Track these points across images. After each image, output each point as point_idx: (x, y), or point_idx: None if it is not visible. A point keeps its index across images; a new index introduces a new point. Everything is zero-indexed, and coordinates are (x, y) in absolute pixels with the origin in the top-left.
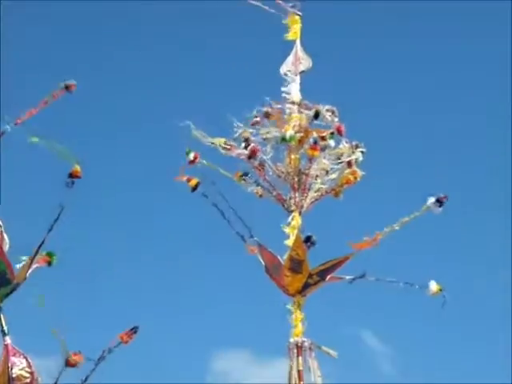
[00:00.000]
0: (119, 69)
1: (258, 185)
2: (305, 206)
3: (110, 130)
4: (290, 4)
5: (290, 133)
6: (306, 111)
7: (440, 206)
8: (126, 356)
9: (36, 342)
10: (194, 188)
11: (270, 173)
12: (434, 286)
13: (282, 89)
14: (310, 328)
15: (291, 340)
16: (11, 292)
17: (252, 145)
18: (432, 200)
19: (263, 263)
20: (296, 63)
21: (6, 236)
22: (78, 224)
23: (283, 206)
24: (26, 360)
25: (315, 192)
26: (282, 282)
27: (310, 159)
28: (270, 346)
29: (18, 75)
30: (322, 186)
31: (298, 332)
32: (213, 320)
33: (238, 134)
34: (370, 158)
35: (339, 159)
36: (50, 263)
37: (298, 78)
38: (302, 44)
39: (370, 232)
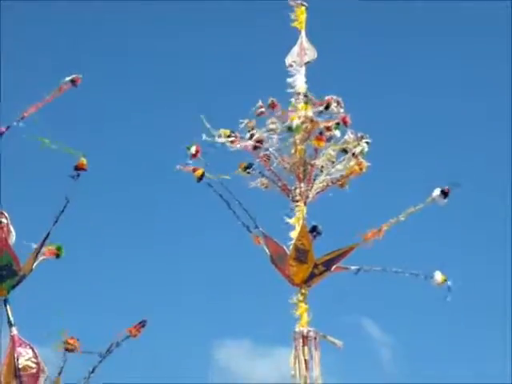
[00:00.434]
0: (125, 59)
1: (263, 176)
2: (310, 196)
3: (114, 121)
4: None
5: (295, 122)
6: (313, 104)
7: (445, 198)
8: (129, 347)
9: (41, 333)
10: (200, 178)
11: (275, 164)
12: (438, 277)
13: (288, 80)
14: (313, 317)
15: (296, 330)
16: (18, 283)
17: (257, 135)
18: (437, 191)
19: (268, 253)
20: (301, 54)
21: (12, 228)
22: (83, 216)
23: (288, 196)
24: (32, 350)
25: (320, 183)
26: (287, 271)
27: (316, 150)
28: (271, 335)
29: (25, 68)
30: (327, 176)
31: (303, 322)
32: (214, 310)
33: (243, 125)
34: (376, 148)
35: (345, 150)
36: (58, 256)
37: (303, 69)
38: (307, 34)
39: (375, 223)
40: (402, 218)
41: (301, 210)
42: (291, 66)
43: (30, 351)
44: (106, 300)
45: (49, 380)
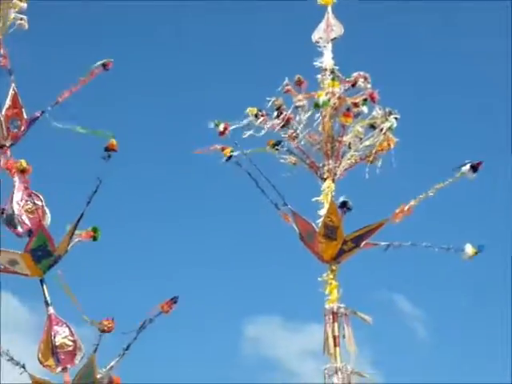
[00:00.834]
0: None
1: (291, 153)
2: (338, 173)
3: (144, 102)
4: None
5: (323, 99)
6: (340, 80)
7: (474, 172)
8: (161, 324)
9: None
10: (229, 157)
11: (303, 141)
12: (469, 249)
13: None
14: (343, 293)
15: (326, 306)
16: (53, 264)
17: (285, 113)
18: (467, 166)
19: (297, 230)
20: (328, 30)
21: (47, 210)
22: (115, 196)
23: (316, 173)
24: (69, 329)
25: (348, 159)
26: (316, 248)
27: (343, 126)
28: (301, 312)
29: (58, 54)
30: (355, 153)
31: (333, 298)
32: (245, 286)
33: (270, 103)
34: (404, 124)
35: (373, 126)
36: (95, 238)
37: (329, 45)
38: (334, 11)
39: (404, 199)
40: (431, 194)
41: (329, 187)
42: (318, 42)
43: (66, 329)
44: (138, 278)
45: (85, 357)
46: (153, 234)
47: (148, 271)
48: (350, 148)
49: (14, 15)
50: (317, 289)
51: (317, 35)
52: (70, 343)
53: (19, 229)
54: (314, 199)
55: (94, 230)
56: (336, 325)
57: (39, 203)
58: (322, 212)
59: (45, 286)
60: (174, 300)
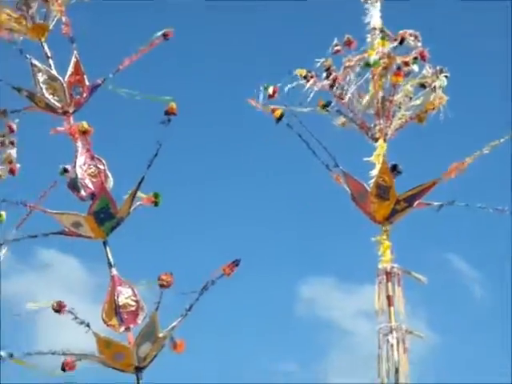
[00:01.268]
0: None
1: (341, 114)
2: (389, 133)
3: (202, 68)
4: None
5: (373, 58)
6: (390, 39)
7: None
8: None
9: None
10: (279, 118)
11: (354, 102)
12: None
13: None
14: (397, 253)
15: (380, 266)
16: (116, 226)
17: (334, 73)
18: None
19: (349, 191)
20: None
21: (109, 174)
22: (174, 160)
23: (367, 134)
24: (132, 290)
25: (399, 119)
26: (368, 209)
27: (394, 85)
28: (355, 272)
29: (119, 23)
30: (406, 112)
31: (386, 259)
32: (299, 248)
33: (319, 64)
34: (455, 82)
35: (423, 85)
36: (156, 203)
37: (378, 4)
38: None
39: (457, 157)
40: (486, 151)
41: (381, 147)
42: (366, 1)
43: (129, 290)
44: (199, 241)
45: (147, 317)
46: (211, 197)
47: (203, 233)
48: (399, 108)
49: None
50: (370, 249)
51: None
52: (133, 303)
53: (82, 192)
54: (365, 159)
55: (156, 195)
56: (390, 285)
57: (101, 167)
58: (374, 172)
59: (108, 248)
60: (236, 263)
